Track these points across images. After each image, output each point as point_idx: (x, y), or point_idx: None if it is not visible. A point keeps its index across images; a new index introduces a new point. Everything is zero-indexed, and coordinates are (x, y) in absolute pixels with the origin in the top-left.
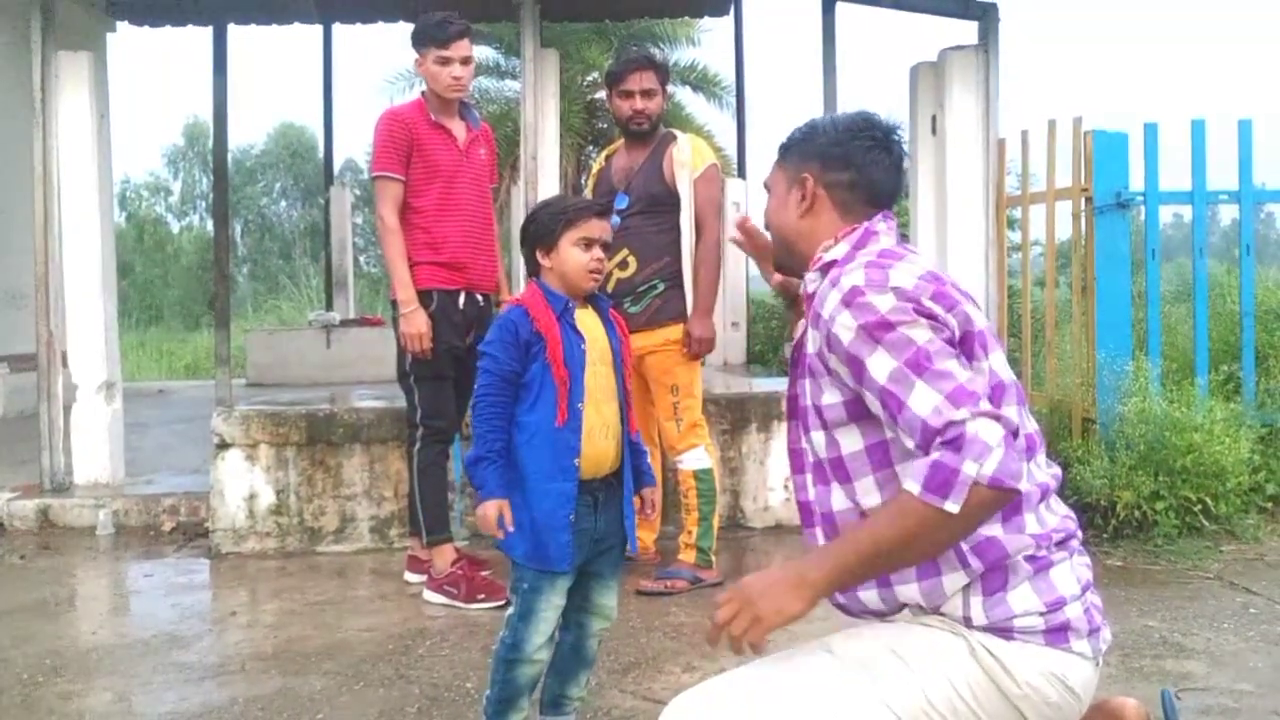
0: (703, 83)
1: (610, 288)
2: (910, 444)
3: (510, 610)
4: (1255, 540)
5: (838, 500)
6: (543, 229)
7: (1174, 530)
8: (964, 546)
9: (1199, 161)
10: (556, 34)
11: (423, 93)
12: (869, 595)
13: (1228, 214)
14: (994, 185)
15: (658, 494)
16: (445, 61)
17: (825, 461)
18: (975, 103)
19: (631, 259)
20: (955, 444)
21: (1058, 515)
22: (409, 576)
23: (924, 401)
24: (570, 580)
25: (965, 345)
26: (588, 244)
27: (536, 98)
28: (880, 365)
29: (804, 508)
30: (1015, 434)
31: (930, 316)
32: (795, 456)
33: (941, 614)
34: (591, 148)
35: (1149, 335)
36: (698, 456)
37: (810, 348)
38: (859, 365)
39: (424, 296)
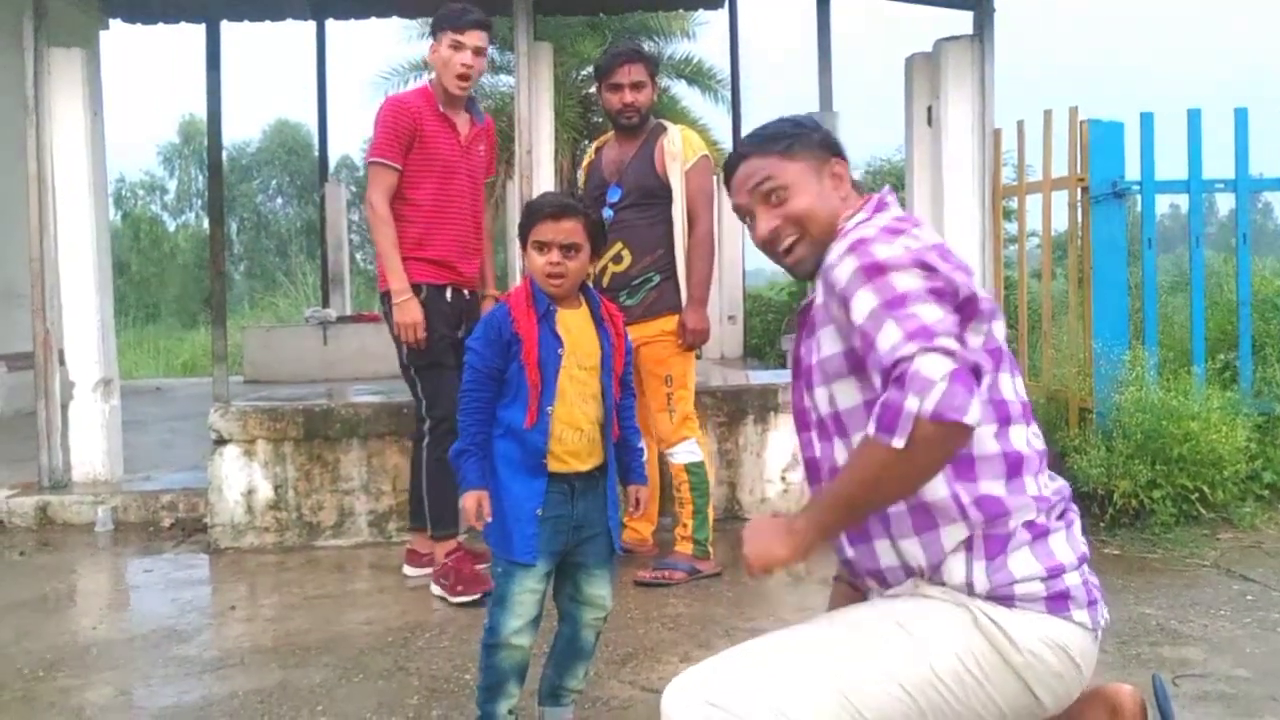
0: (697, 76)
1: (606, 282)
2: (878, 384)
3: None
4: (1252, 528)
5: (840, 455)
6: (519, 230)
7: (1171, 519)
8: (963, 498)
9: (1195, 150)
10: (550, 28)
11: (430, 82)
12: (869, 549)
13: (1224, 204)
14: (990, 176)
15: (645, 492)
16: (458, 46)
17: (827, 417)
18: (970, 93)
19: (626, 253)
20: (900, 380)
21: (1052, 486)
22: (407, 570)
23: (886, 339)
24: (545, 568)
25: (969, 305)
26: (543, 247)
27: (531, 92)
28: (863, 304)
29: (810, 464)
30: (974, 370)
31: (927, 268)
32: (800, 415)
33: (943, 584)
34: (586, 141)
35: (1146, 325)
36: (689, 450)
37: (818, 301)
38: (847, 305)
39: (412, 289)
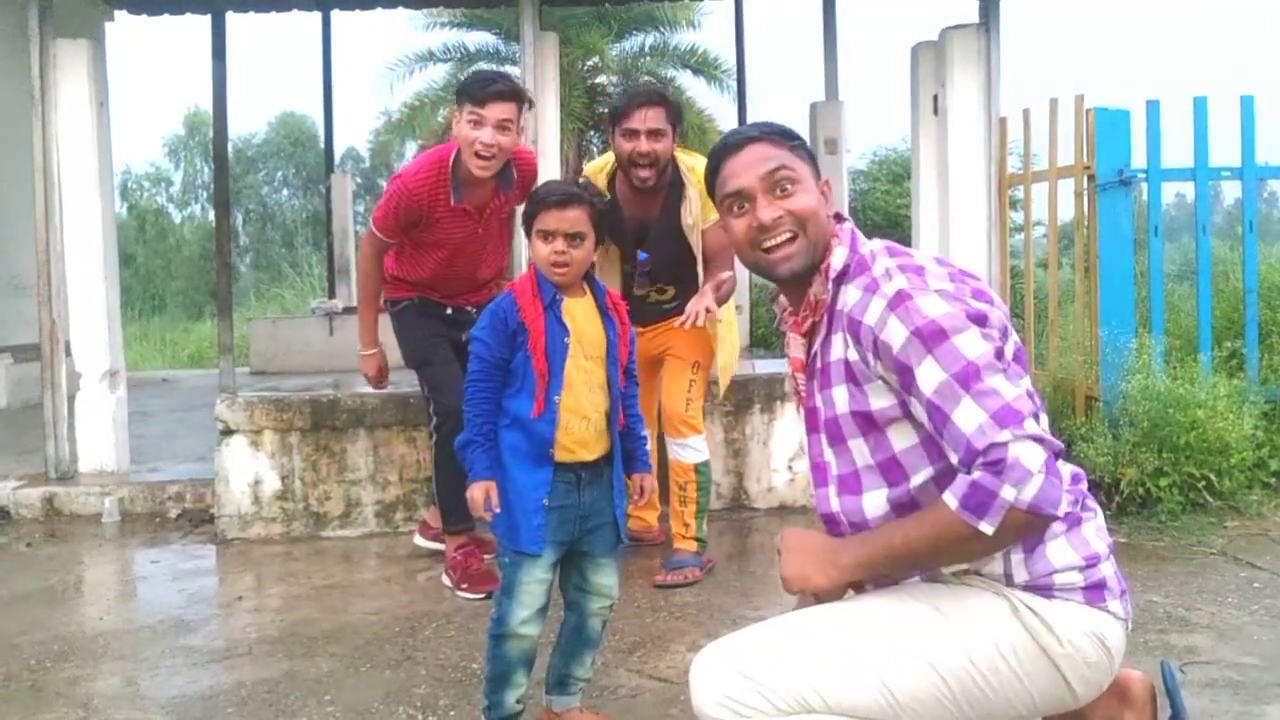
0: (703, 66)
1: (648, 301)
2: (954, 459)
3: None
4: (1259, 516)
5: (872, 505)
6: (524, 219)
7: (1178, 507)
8: None
9: (1201, 138)
10: (556, 18)
11: (458, 151)
12: None
13: (1231, 194)
14: (996, 164)
15: (650, 480)
16: (477, 123)
17: (871, 467)
18: (977, 81)
19: (670, 289)
20: (996, 467)
21: (1068, 471)
22: (418, 540)
23: (969, 419)
24: (552, 558)
25: (1003, 336)
26: (547, 236)
27: (536, 82)
28: (929, 376)
29: (829, 519)
30: (1058, 455)
31: (979, 319)
32: (818, 471)
33: (982, 574)
34: (592, 132)
35: (1152, 313)
36: (698, 447)
37: (839, 354)
38: (908, 374)
39: (405, 300)
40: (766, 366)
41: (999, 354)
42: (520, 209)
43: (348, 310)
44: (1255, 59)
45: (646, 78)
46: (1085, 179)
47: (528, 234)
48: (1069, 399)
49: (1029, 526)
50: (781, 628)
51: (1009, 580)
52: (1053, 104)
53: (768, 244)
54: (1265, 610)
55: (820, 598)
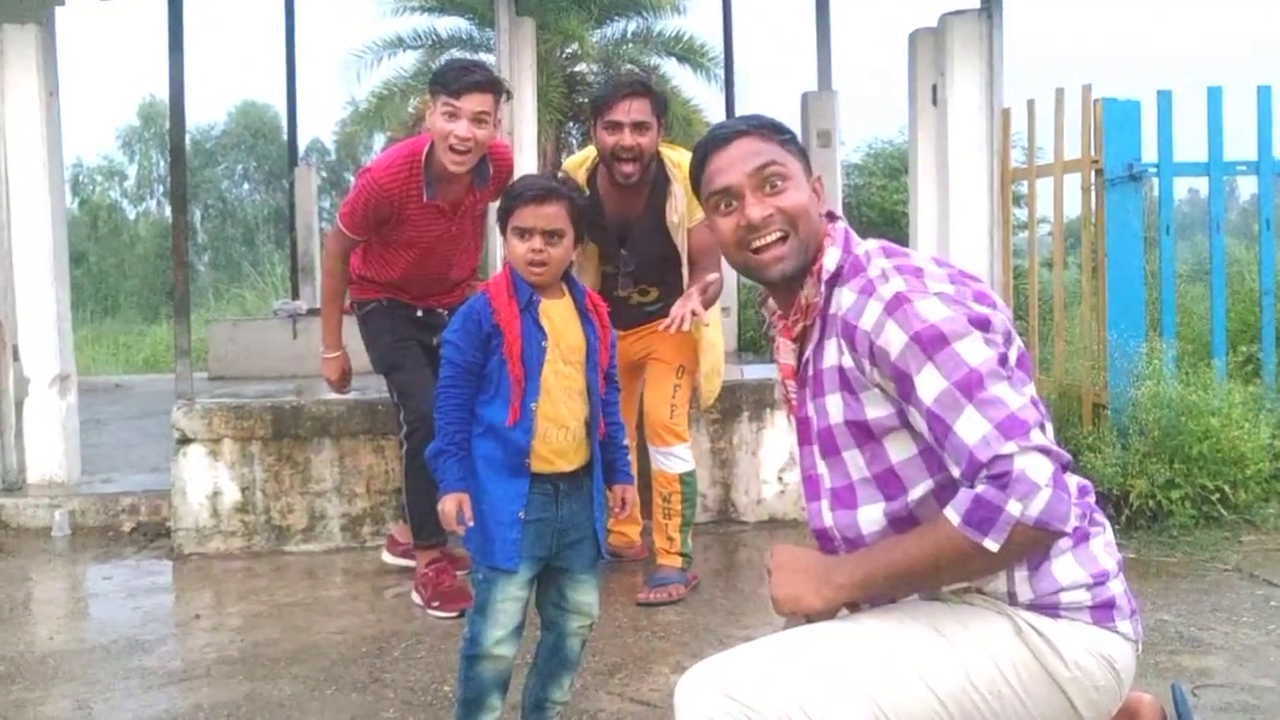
0: (688, 54)
1: (631, 302)
2: (955, 471)
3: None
4: (1276, 530)
5: (868, 520)
6: (499, 216)
7: (1190, 520)
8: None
9: (1215, 131)
10: (533, 3)
11: (431, 145)
12: None
13: (1247, 189)
14: (998, 158)
15: (632, 492)
16: (452, 115)
17: (867, 480)
18: (978, 70)
19: (654, 290)
20: (1001, 480)
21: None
22: (386, 556)
23: (972, 430)
24: (529, 574)
25: (1007, 342)
26: (524, 233)
27: (512, 71)
28: (929, 384)
29: (822, 535)
30: (1065, 467)
31: (982, 324)
32: (810, 483)
33: (984, 593)
34: (572, 124)
35: (1163, 315)
36: (683, 456)
37: (833, 360)
38: (907, 381)
39: (374, 302)
40: (755, 372)
41: (1002, 360)
42: (495, 205)
43: (312, 312)
44: (1273, 47)
45: (629, 66)
46: (1093, 173)
47: (503, 231)
48: (1075, 407)
49: (1036, 543)
50: (769, 647)
51: (1013, 599)
52: (1058, 94)
53: (757, 244)
54: None
55: (812, 619)
